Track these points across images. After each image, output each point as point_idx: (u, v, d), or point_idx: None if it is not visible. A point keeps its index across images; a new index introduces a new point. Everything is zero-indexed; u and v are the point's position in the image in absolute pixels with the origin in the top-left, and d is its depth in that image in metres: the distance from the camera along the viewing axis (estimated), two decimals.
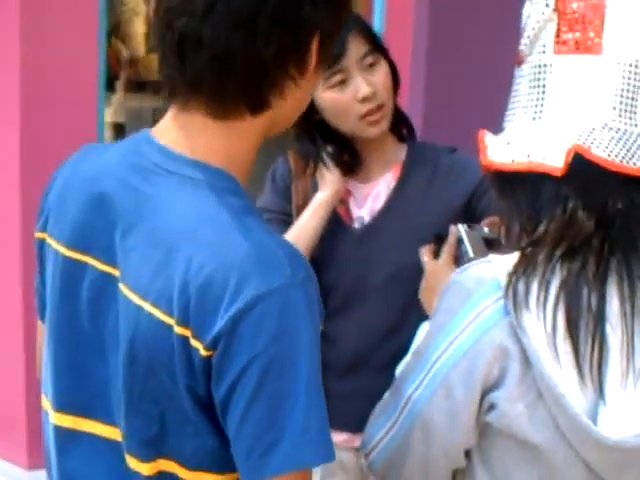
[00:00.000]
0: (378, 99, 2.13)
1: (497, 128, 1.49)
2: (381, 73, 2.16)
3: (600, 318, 1.33)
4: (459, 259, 1.71)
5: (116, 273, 1.34)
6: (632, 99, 1.41)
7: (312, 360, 1.25)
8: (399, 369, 1.51)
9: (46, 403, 1.47)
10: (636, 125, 1.40)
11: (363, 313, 2.20)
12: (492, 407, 1.36)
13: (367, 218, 2.26)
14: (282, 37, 1.29)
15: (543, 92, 1.43)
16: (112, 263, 1.34)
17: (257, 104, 1.32)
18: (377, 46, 2.17)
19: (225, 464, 1.31)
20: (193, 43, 1.28)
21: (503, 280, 1.35)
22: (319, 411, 1.25)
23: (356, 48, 2.12)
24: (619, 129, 1.39)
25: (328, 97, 2.14)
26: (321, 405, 1.26)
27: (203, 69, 1.29)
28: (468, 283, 1.38)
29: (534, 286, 1.34)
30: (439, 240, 1.78)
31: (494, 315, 1.35)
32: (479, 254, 1.65)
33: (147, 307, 1.27)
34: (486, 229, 1.73)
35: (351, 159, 2.25)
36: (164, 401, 1.29)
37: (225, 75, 1.29)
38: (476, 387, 1.35)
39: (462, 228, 1.74)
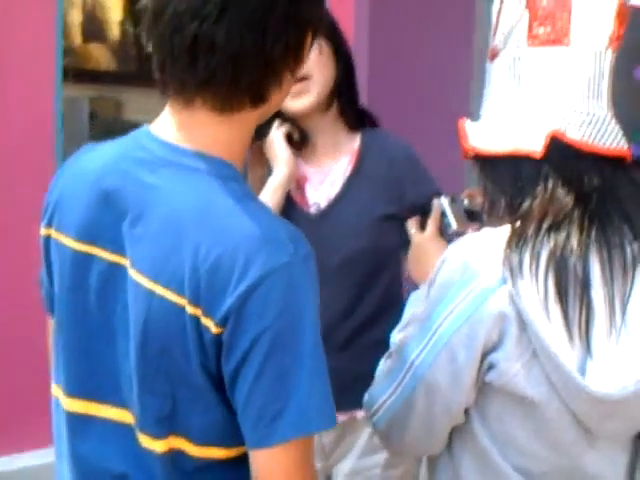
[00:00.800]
0: (303, 72, 2.15)
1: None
2: (315, 48, 2.20)
3: (585, 283, 1.49)
4: (443, 231, 1.81)
5: (124, 262, 1.41)
6: (598, 85, 1.57)
7: (315, 332, 1.35)
8: (396, 337, 1.63)
9: (57, 391, 1.53)
10: (602, 108, 1.56)
11: (320, 295, 2.32)
12: (492, 367, 1.50)
13: (323, 203, 2.35)
14: (288, 35, 1.39)
15: (519, 82, 1.57)
16: (120, 252, 1.42)
17: (259, 97, 1.42)
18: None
19: (232, 438, 1.41)
20: (206, 46, 1.35)
21: (498, 253, 1.49)
22: (322, 379, 1.36)
23: None
24: (589, 112, 1.54)
25: None
26: (324, 374, 1.36)
27: (216, 69, 1.36)
28: (466, 257, 1.51)
29: (526, 257, 1.48)
30: (424, 213, 1.86)
31: (492, 285, 1.48)
32: (462, 226, 1.78)
33: (159, 290, 1.35)
34: (466, 201, 1.84)
35: (300, 139, 2.33)
36: (176, 379, 1.37)
37: (237, 74, 1.37)
38: (477, 350, 1.49)
39: (445, 201, 1.84)
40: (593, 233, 1.51)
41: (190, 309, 1.33)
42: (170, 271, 1.34)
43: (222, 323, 1.32)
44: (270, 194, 2.26)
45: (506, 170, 1.56)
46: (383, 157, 2.35)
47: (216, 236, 1.33)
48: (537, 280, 1.47)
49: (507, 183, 1.56)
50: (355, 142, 2.38)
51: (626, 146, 1.55)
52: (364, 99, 2.47)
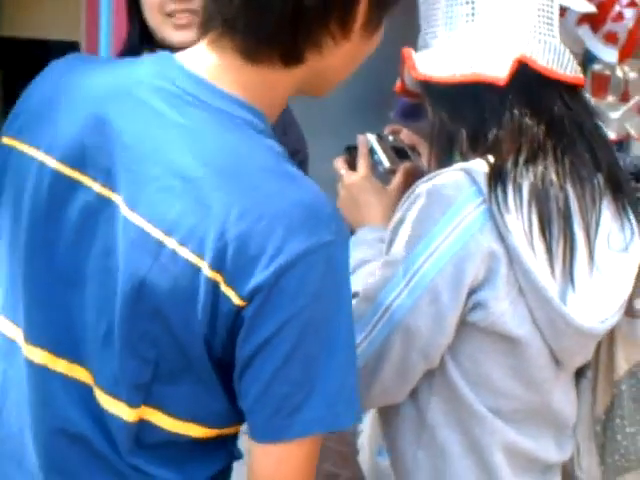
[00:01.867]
0: (194, 3, 2.00)
1: None
2: None
3: (567, 216, 1.47)
4: (373, 169, 1.71)
5: (115, 199, 1.22)
6: (550, 12, 1.55)
7: (350, 320, 1.22)
8: (367, 280, 1.51)
9: (11, 330, 1.32)
10: (554, 37, 1.54)
11: None
12: (477, 306, 1.45)
13: None
14: None
15: (473, 8, 1.52)
16: (112, 188, 1.22)
17: (290, 55, 1.23)
18: None
19: (217, 418, 1.28)
20: None
21: (484, 186, 1.43)
22: (353, 372, 1.23)
23: None
24: (545, 41, 1.52)
25: None
26: (355, 366, 1.23)
27: (240, 6, 1.20)
28: (446, 191, 1.44)
29: (509, 191, 1.44)
30: (350, 151, 1.74)
31: (478, 220, 1.43)
32: (393, 163, 1.69)
33: (171, 244, 1.17)
34: (391, 137, 1.75)
35: None
36: (165, 346, 1.21)
37: (261, 15, 1.20)
38: (463, 290, 1.43)
39: (373, 138, 1.73)
40: (567, 165, 1.49)
41: (209, 272, 1.16)
42: (189, 226, 1.17)
43: (248, 297, 1.16)
44: None
45: (466, 99, 1.50)
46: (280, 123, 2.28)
47: (253, 198, 1.16)
48: (522, 213, 1.43)
49: (469, 114, 1.50)
50: None
51: (581, 74, 1.54)
52: None
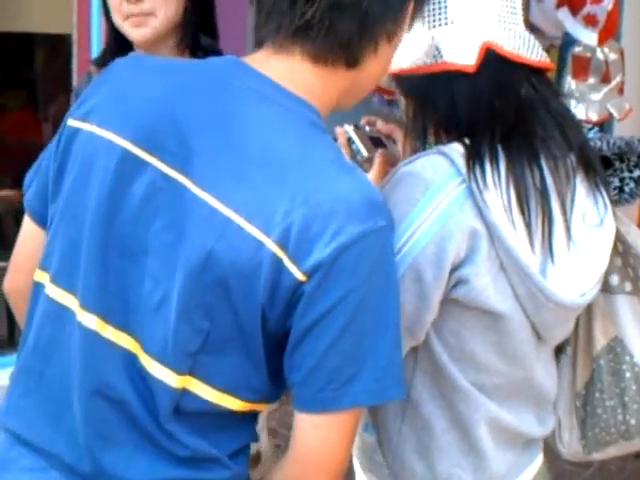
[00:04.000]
0: (145, 5, 2.14)
1: None
2: None
3: (544, 192, 1.51)
4: (352, 159, 1.76)
5: (182, 180, 1.31)
6: (513, 2, 1.60)
7: (398, 299, 1.33)
8: None
9: (69, 299, 1.39)
10: (518, 24, 1.59)
11: None
12: (460, 283, 1.48)
13: None
14: None
15: (440, 1, 1.57)
16: (180, 170, 1.31)
17: (355, 56, 1.36)
18: None
19: (253, 393, 1.36)
20: None
21: (462, 166, 1.47)
22: (400, 348, 1.34)
23: None
24: (511, 29, 1.57)
25: None
26: (401, 344, 1.35)
27: (313, 18, 1.31)
28: (425, 173, 1.48)
29: (487, 169, 1.48)
30: None
31: (457, 200, 1.47)
32: (370, 151, 1.74)
33: (239, 220, 1.27)
34: (367, 127, 1.80)
35: None
36: (220, 316, 1.29)
37: (333, 25, 1.32)
38: (445, 268, 1.46)
39: (350, 129, 1.79)
40: (539, 144, 1.53)
41: (274, 248, 1.26)
42: (257, 205, 1.27)
43: (309, 273, 1.26)
44: None
45: (437, 88, 1.55)
46: None
47: (317, 184, 1.28)
48: (501, 191, 1.47)
49: (440, 102, 1.55)
50: None
51: (548, 59, 1.58)
52: None
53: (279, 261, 1.26)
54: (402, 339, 1.42)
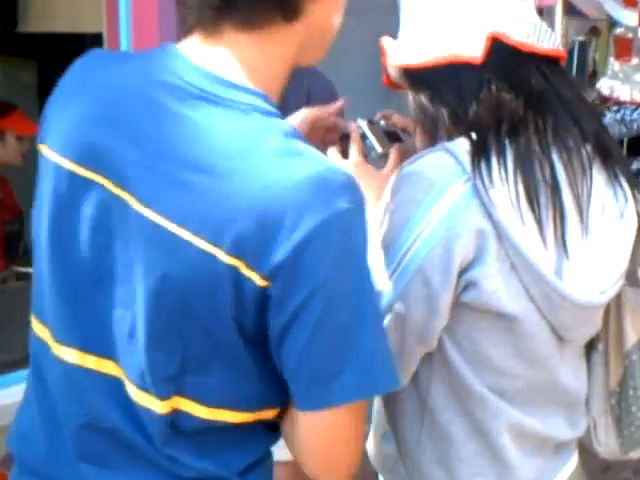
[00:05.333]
0: None
1: None
2: None
3: (555, 186, 1.43)
4: (366, 155, 1.69)
5: (126, 197, 1.24)
6: None
7: (372, 285, 1.25)
8: None
9: (43, 331, 1.35)
10: (529, 12, 1.51)
11: None
12: (469, 286, 1.41)
13: None
14: None
15: None
16: (123, 186, 1.24)
17: (290, 7, 1.26)
18: None
19: (250, 402, 1.30)
20: None
21: (467, 164, 1.40)
22: (383, 336, 1.25)
23: None
24: (520, 16, 1.49)
25: None
26: (383, 330, 1.26)
27: None
28: (429, 172, 1.42)
29: (493, 164, 1.41)
30: (345, 139, 1.72)
31: (462, 199, 1.39)
32: (384, 147, 1.67)
33: (186, 236, 1.19)
34: (383, 122, 1.73)
35: None
36: (193, 338, 1.23)
37: None
38: (453, 271, 1.40)
39: (363, 124, 1.71)
40: (549, 135, 1.46)
41: (227, 259, 1.18)
42: (202, 215, 1.18)
43: (270, 277, 1.17)
44: None
45: (444, 81, 1.48)
46: (302, 90, 2.24)
47: (263, 182, 1.17)
48: (508, 187, 1.40)
49: (447, 95, 1.48)
50: None
51: (561, 47, 1.51)
52: None
53: (236, 271, 1.18)
54: (407, 340, 1.39)
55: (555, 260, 1.43)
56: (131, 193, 1.23)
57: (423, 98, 1.51)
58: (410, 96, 1.54)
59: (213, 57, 1.26)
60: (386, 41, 1.56)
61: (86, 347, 1.30)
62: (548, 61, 1.50)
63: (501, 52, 1.46)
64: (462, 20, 1.48)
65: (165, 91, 1.24)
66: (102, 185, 1.25)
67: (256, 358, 1.26)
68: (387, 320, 1.43)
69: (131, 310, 1.25)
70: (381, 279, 1.43)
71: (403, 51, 1.52)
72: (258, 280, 1.18)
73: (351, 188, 1.21)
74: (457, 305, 1.44)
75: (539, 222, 1.41)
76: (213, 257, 1.18)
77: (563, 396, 1.57)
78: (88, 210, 1.26)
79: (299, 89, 2.24)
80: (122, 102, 1.26)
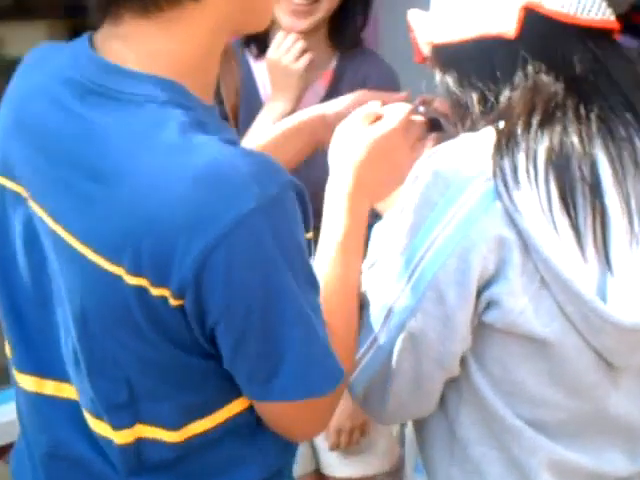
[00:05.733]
0: None
1: None
2: None
3: (595, 186, 1.21)
4: None
5: (41, 213, 1.13)
6: None
7: (300, 281, 1.09)
8: (367, 277, 1.30)
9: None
10: None
11: None
12: (491, 305, 1.21)
13: None
14: None
15: None
16: (37, 199, 1.13)
17: None
18: None
19: (219, 402, 1.18)
20: None
21: (487, 160, 1.20)
22: (316, 337, 1.12)
23: None
24: None
25: None
26: (317, 328, 1.11)
27: None
28: (445, 169, 1.21)
29: (520, 160, 1.19)
30: None
31: (482, 201, 1.19)
32: (423, 137, 1.47)
33: (90, 255, 1.07)
34: (422, 108, 1.53)
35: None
36: (129, 362, 1.11)
37: None
38: (471, 286, 1.20)
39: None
40: (594, 124, 1.23)
41: (131, 280, 1.06)
42: (102, 231, 1.06)
43: (180, 294, 1.05)
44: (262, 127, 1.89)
45: (472, 60, 1.27)
46: (357, 79, 2.06)
47: (153, 187, 1.03)
48: (538, 186, 1.18)
49: (477, 76, 1.27)
50: (332, 62, 2.10)
51: (613, 17, 1.27)
52: None
53: (143, 291, 1.05)
54: (423, 363, 1.24)
55: (596, 275, 1.20)
56: (43, 207, 1.12)
57: (450, 80, 1.30)
58: (437, 78, 1.34)
59: (114, 46, 1.12)
60: (412, 15, 1.35)
61: (43, 372, 1.20)
62: (596, 34, 1.26)
63: (537, 23, 1.24)
64: None
65: (66, 88, 1.11)
66: (25, 198, 1.14)
67: (208, 362, 1.13)
68: (400, 340, 1.24)
69: (70, 335, 1.14)
70: (391, 292, 1.24)
71: (429, 26, 1.32)
72: (170, 298, 1.05)
73: (262, 179, 1.04)
74: (480, 326, 1.24)
75: (576, 229, 1.19)
76: (119, 278, 1.06)
77: (619, 428, 1.33)
78: (19, 225, 1.17)
79: (354, 82, 2.05)
80: (30, 106, 1.15)
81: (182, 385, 1.14)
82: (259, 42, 2.06)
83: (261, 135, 1.63)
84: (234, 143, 1.08)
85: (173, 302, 1.06)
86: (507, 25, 1.23)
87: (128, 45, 1.11)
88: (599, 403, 1.29)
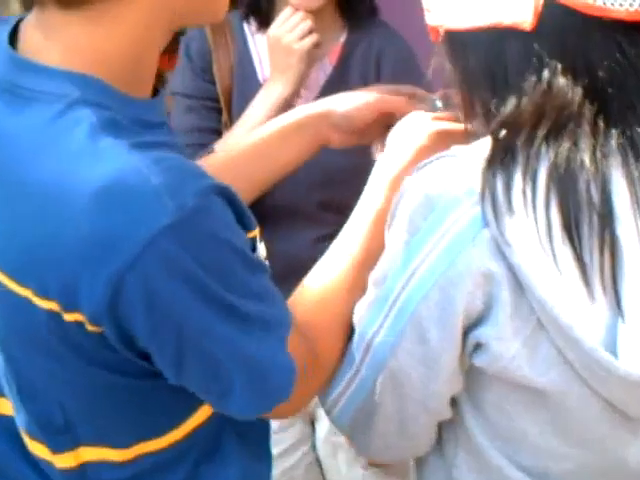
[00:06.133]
0: None
1: None
2: None
3: (607, 212, 1.02)
4: None
5: None
6: None
7: (236, 286, 0.97)
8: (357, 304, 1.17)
9: None
10: None
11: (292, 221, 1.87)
12: (480, 347, 1.05)
13: None
14: None
15: None
16: None
17: None
18: None
19: (165, 424, 1.08)
20: None
21: (476, 179, 1.03)
22: (262, 341, 1.01)
23: None
24: None
25: None
26: (261, 332, 1.00)
27: None
28: (430, 188, 1.05)
29: (516, 179, 1.02)
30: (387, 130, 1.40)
31: (469, 228, 1.02)
32: None
33: (3, 279, 0.99)
34: (439, 102, 1.36)
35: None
36: (58, 388, 1.02)
37: None
38: (455, 325, 1.04)
39: (422, 105, 1.39)
40: (613, 140, 1.03)
41: (42, 303, 0.96)
42: (10, 253, 0.97)
43: (96, 323, 0.95)
44: (264, 114, 1.74)
45: (483, 54, 1.09)
46: (370, 56, 1.89)
47: (54, 201, 0.93)
48: (535, 213, 1.00)
49: (485, 72, 1.09)
50: (341, 34, 1.91)
51: None
52: None
53: (57, 316, 0.95)
54: (407, 406, 1.10)
55: (604, 319, 1.02)
56: None
57: (458, 73, 1.13)
58: (447, 67, 1.15)
59: (35, 37, 1.00)
60: None
61: None
62: (628, 30, 1.05)
63: (557, 15, 1.04)
64: None
65: None
66: None
67: (147, 382, 1.03)
68: (380, 378, 1.10)
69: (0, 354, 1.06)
70: (371, 324, 1.10)
71: (443, 7, 1.13)
72: (87, 324, 0.95)
73: (170, 192, 0.91)
74: (473, 368, 1.08)
75: (581, 262, 1.01)
76: (29, 301, 0.96)
77: (636, 478, 1.15)
78: None
79: (366, 58, 1.89)
80: None
81: (122, 406, 1.05)
82: (261, 15, 1.88)
83: (257, 131, 1.48)
84: (149, 147, 0.94)
85: (90, 328, 0.96)
86: (522, 15, 1.04)
87: (50, 37, 0.99)
88: (615, 454, 1.11)
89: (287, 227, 1.83)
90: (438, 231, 1.03)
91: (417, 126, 1.26)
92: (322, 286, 1.17)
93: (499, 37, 1.07)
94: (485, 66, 1.09)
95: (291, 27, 1.77)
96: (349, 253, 1.18)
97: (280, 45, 1.77)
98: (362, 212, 1.21)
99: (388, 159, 1.24)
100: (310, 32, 1.78)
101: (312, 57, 1.80)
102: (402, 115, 1.34)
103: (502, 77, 1.07)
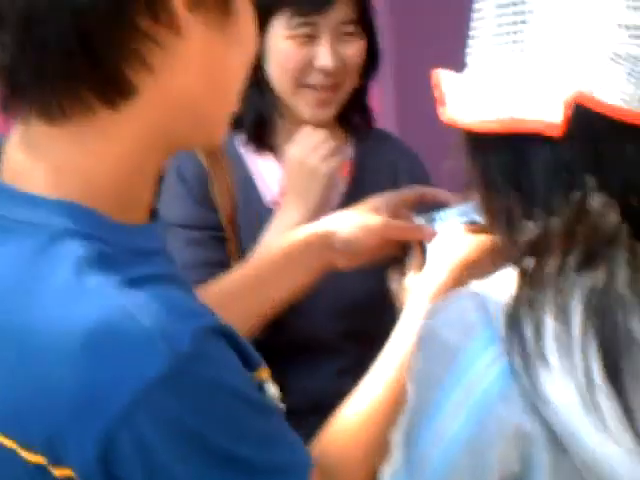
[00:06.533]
0: (337, 78, 1.67)
1: None
2: (355, 49, 1.69)
3: None
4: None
5: None
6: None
7: (237, 433, 0.87)
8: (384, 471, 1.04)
9: None
10: None
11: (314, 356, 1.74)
12: None
13: None
14: None
15: (522, 13, 0.94)
16: None
17: (110, 84, 0.87)
18: (364, 18, 1.71)
19: None
20: None
21: (500, 323, 0.90)
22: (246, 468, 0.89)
23: (340, 10, 1.66)
24: (635, 57, 0.91)
25: (282, 48, 1.66)
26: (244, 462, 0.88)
27: (14, 52, 0.87)
28: (449, 333, 0.93)
29: (547, 323, 0.88)
30: (402, 251, 1.36)
31: (496, 382, 0.90)
32: None
33: None
34: (457, 212, 1.30)
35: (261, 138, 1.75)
36: None
37: (38, 51, 0.86)
38: None
39: (421, 221, 1.34)
40: None
41: (27, 456, 0.88)
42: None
43: (86, 475, 0.85)
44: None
45: (500, 160, 0.95)
46: (385, 166, 1.80)
47: (39, 348, 0.85)
48: (572, 358, 0.87)
49: (502, 185, 0.95)
50: (347, 149, 1.79)
51: None
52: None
53: (45, 471, 0.87)
54: None
55: None
56: None
57: (478, 177, 0.99)
58: (465, 165, 1.01)
59: (18, 157, 0.93)
60: (437, 77, 1.02)
61: None
62: None
63: (590, 124, 0.91)
64: (532, 63, 0.94)
65: None
66: None
67: None
68: None
69: None
70: None
71: (458, 99, 0.99)
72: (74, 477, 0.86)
73: (165, 336, 0.83)
74: None
75: (629, 412, 0.87)
76: (13, 453, 0.88)
77: None
78: None
79: (379, 170, 1.80)
80: None
81: None
82: (262, 140, 1.75)
83: (257, 256, 1.43)
84: (142, 282, 0.86)
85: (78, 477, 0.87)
86: (551, 116, 0.90)
87: (34, 156, 0.91)
88: None
89: (306, 360, 1.69)
90: (461, 386, 0.91)
91: (454, 241, 1.23)
92: (356, 420, 1.13)
93: (521, 144, 0.93)
94: (505, 177, 0.95)
95: (313, 147, 1.62)
96: (385, 382, 1.15)
97: (303, 168, 1.62)
98: (400, 338, 1.18)
99: (426, 279, 1.21)
100: (334, 153, 1.63)
101: (334, 181, 1.66)
102: (406, 239, 1.33)
103: (527, 188, 0.93)
